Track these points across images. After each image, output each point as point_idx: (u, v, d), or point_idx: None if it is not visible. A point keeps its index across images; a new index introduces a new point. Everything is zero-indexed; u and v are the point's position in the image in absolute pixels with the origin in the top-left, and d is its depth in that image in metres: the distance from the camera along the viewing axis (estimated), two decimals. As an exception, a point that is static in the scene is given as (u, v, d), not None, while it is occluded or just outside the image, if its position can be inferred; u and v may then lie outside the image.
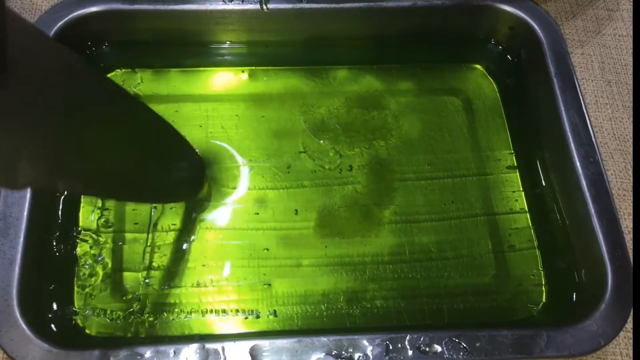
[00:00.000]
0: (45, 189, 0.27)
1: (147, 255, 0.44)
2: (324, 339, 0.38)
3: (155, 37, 0.51)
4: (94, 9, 0.48)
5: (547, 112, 0.48)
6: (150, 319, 0.42)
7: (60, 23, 0.47)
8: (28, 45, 0.24)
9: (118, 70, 0.51)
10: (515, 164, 0.50)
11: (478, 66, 0.54)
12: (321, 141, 0.50)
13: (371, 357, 0.38)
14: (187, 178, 0.45)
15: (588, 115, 0.46)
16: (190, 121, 0.50)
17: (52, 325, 0.41)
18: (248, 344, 0.38)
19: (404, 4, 0.51)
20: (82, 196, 0.46)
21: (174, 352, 0.37)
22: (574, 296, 0.44)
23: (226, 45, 0.53)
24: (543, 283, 0.45)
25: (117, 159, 0.33)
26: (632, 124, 0.51)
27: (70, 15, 0.48)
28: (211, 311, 0.43)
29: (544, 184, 0.48)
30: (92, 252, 0.44)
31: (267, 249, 0.45)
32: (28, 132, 0.24)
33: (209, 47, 0.53)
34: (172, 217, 0.46)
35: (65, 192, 0.30)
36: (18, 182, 0.24)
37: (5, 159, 0.23)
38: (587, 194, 0.43)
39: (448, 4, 0.51)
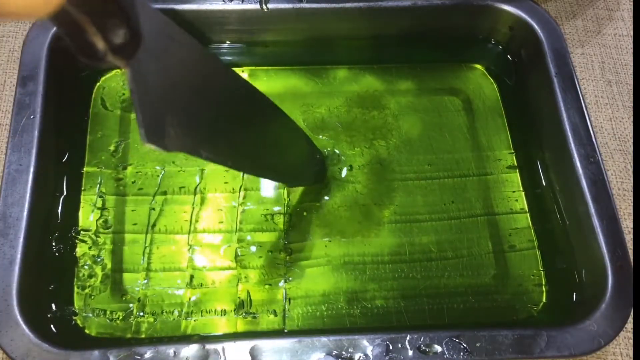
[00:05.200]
0: (194, 154, 0.29)
1: (147, 256, 0.44)
2: (324, 339, 0.38)
3: (155, 37, 0.51)
4: (93, 9, 0.48)
5: (547, 112, 0.48)
6: (150, 319, 0.42)
7: (60, 23, 0.47)
8: (163, 30, 0.26)
9: (118, 70, 0.51)
10: (516, 164, 0.50)
11: (478, 66, 0.54)
12: (321, 140, 0.50)
13: (371, 357, 0.38)
14: (316, 166, 0.48)
15: (588, 115, 0.46)
16: (190, 121, 0.50)
17: (52, 326, 0.41)
18: (248, 344, 0.38)
19: (404, 4, 0.51)
20: (81, 196, 0.46)
21: (174, 352, 0.37)
22: (574, 296, 0.44)
23: (226, 45, 0.53)
24: (543, 283, 0.45)
25: (256, 144, 0.36)
26: (632, 124, 0.51)
27: (70, 15, 0.48)
28: (211, 311, 0.43)
29: (544, 184, 0.48)
30: (92, 252, 0.44)
31: (267, 249, 0.45)
32: (167, 103, 0.26)
33: (208, 47, 0.53)
34: (170, 217, 0.46)
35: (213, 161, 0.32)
36: (168, 145, 0.25)
37: (156, 121, 0.25)
38: (587, 194, 0.43)
39: (448, 4, 0.51)
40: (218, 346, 0.37)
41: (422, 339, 0.38)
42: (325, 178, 0.48)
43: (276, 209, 0.47)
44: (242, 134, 0.34)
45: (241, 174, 0.48)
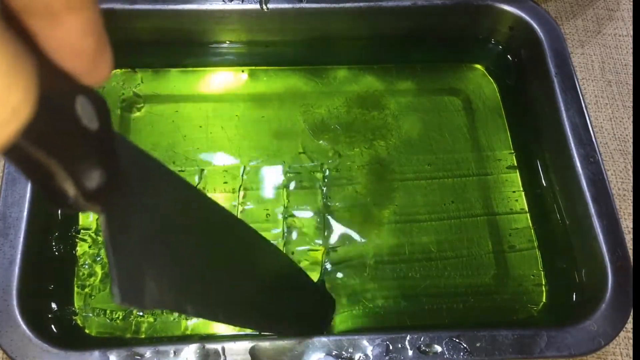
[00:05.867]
0: (178, 310, 0.26)
1: (147, 255, 0.44)
2: (324, 339, 0.38)
3: (155, 37, 0.51)
4: (93, 8, 0.48)
5: (547, 112, 0.48)
6: (150, 319, 0.42)
7: (60, 23, 0.47)
8: (137, 164, 0.22)
9: (118, 70, 0.51)
10: (515, 164, 0.50)
11: (478, 66, 0.54)
12: (321, 141, 0.50)
13: (371, 357, 0.37)
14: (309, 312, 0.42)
15: (588, 115, 0.46)
16: (190, 121, 0.50)
17: (52, 326, 0.41)
18: (248, 344, 0.38)
19: (404, 4, 0.51)
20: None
21: (174, 352, 0.37)
22: (574, 296, 0.44)
23: (226, 45, 0.53)
24: (543, 283, 0.45)
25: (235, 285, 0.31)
26: (632, 124, 0.51)
27: (70, 15, 0.47)
28: (211, 311, 0.43)
29: (544, 184, 0.48)
30: (92, 251, 0.44)
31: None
32: (148, 252, 0.23)
33: (208, 47, 0.53)
34: (172, 217, 0.46)
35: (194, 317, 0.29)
36: (147, 303, 0.22)
37: (133, 276, 0.21)
38: (587, 194, 0.43)
39: (448, 4, 0.51)
40: (218, 346, 0.37)
41: (422, 339, 0.38)
42: (329, 322, 0.43)
43: (276, 209, 0.47)
44: (235, 278, 0.30)
45: (240, 174, 0.48)
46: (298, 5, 0.50)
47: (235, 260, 0.31)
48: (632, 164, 0.49)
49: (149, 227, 0.23)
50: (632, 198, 0.48)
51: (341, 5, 0.50)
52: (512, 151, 0.50)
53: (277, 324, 0.37)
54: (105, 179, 0.18)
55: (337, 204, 0.47)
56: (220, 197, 0.47)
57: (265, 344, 0.38)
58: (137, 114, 0.50)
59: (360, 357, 0.37)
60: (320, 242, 0.46)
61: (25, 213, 0.41)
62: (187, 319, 0.42)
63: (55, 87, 0.16)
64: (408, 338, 0.38)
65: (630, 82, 0.53)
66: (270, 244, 0.36)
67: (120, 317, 0.42)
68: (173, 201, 0.25)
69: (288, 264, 0.39)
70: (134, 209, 0.21)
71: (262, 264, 0.34)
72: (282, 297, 0.36)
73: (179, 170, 0.47)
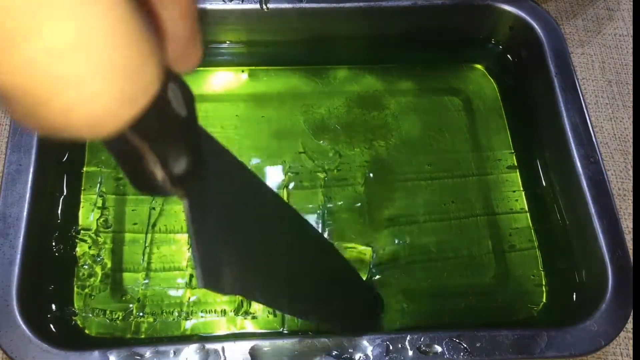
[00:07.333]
0: (249, 298, 0.27)
1: (147, 256, 0.44)
2: (324, 339, 0.38)
3: (155, 37, 0.51)
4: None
5: (547, 112, 0.48)
6: (150, 319, 0.42)
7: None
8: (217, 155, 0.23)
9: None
10: (516, 164, 0.50)
11: (478, 66, 0.54)
12: (321, 141, 0.50)
13: (371, 357, 0.37)
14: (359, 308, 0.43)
15: (588, 115, 0.46)
16: (190, 121, 0.50)
17: (52, 326, 0.41)
18: (248, 344, 0.38)
19: (404, 4, 0.51)
20: (81, 195, 0.46)
21: (174, 352, 0.37)
22: (574, 296, 0.44)
23: (226, 45, 0.53)
24: (543, 283, 0.45)
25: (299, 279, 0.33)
26: (632, 124, 0.51)
27: (70, 15, 0.47)
28: (211, 311, 0.43)
29: (544, 184, 0.48)
30: (92, 252, 0.44)
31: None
32: (225, 239, 0.24)
33: (208, 47, 0.53)
34: (171, 217, 0.46)
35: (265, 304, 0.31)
36: (225, 288, 0.23)
37: (213, 260, 0.22)
38: (587, 194, 0.43)
39: (448, 4, 0.51)
40: (218, 346, 0.37)
41: (422, 339, 0.38)
42: (379, 320, 0.43)
43: (276, 209, 0.47)
44: (301, 271, 0.31)
45: (241, 174, 0.48)
46: (298, 5, 0.50)
47: (296, 253, 0.32)
48: (632, 164, 0.49)
49: (224, 215, 0.23)
50: (632, 198, 0.48)
51: (341, 5, 0.50)
52: (512, 151, 0.50)
53: (334, 318, 0.37)
54: (190, 165, 0.19)
55: (337, 203, 0.47)
56: (220, 197, 0.47)
57: (265, 344, 0.38)
58: (137, 114, 0.50)
59: (360, 357, 0.37)
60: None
61: (25, 213, 0.41)
62: (187, 319, 0.42)
63: None
64: (408, 338, 0.38)
65: (630, 82, 0.53)
66: (326, 240, 0.37)
67: (120, 318, 0.42)
68: (245, 192, 0.26)
69: (342, 260, 0.39)
70: (213, 197, 0.22)
71: (320, 259, 0.35)
72: (337, 292, 0.37)
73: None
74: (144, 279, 0.43)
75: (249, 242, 0.26)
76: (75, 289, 0.43)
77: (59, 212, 0.45)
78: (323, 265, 0.35)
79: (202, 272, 0.21)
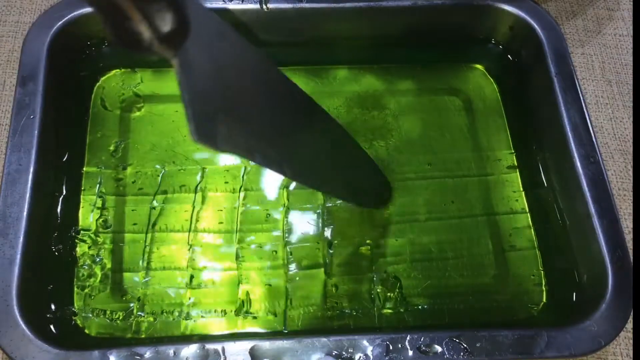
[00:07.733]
0: (247, 157, 0.28)
1: (147, 256, 0.44)
2: (324, 339, 0.38)
3: (155, 37, 0.51)
4: (93, 8, 0.48)
5: (547, 112, 0.48)
6: (150, 319, 0.42)
7: (60, 23, 0.47)
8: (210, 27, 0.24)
9: (118, 70, 0.51)
10: (516, 164, 0.50)
11: (478, 66, 0.54)
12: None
13: (371, 357, 0.37)
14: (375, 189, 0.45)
15: (588, 115, 0.46)
16: (190, 121, 0.50)
17: (52, 326, 0.41)
18: (248, 344, 0.38)
19: (404, 3, 0.51)
20: (81, 196, 0.46)
21: (174, 352, 0.37)
22: (574, 296, 0.44)
23: (226, 45, 0.53)
24: (543, 283, 0.45)
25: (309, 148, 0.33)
26: (632, 124, 0.51)
27: (70, 15, 0.48)
28: (211, 311, 0.43)
29: (544, 184, 0.48)
30: (91, 252, 0.44)
31: (267, 250, 0.45)
32: (219, 99, 0.24)
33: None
34: (170, 217, 0.46)
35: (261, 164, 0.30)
36: (219, 144, 0.24)
37: (206, 117, 0.23)
38: (588, 194, 0.43)
39: (448, 4, 0.51)
40: (218, 346, 0.37)
41: (422, 339, 0.38)
42: (387, 202, 0.46)
43: (277, 209, 0.47)
44: (299, 139, 0.32)
45: (241, 174, 0.48)
46: (298, 5, 0.50)
47: (301, 122, 0.32)
48: (632, 164, 0.49)
49: (218, 76, 0.24)
50: (632, 198, 0.48)
51: (341, 5, 0.50)
52: (512, 151, 0.50)
53: (341, 188, 0.38)
54: (177, 25, 0.20)
55: (337, 204, 0.47)
56: (221, 196, 0.47)
57: (265, 344, 0.38)
58: (137, 113, 0.50)
59: (360, 357, 0.37)
60: (320, 242, 0.46)
61: (25, 213, 0.41)
62: (187, 319, 0.42)
63: None
64: (408, 338, 0.38)
65: (630, 82, 0.53)
66: (332, 118, 0.37)
67: (120, 317, 0.42)
68: (242, 60, 0.27)
69: (351, 138, 0.40)
70: (205, 58, 0.23)
71: (325, 130, 0.35)
72: (346, 161, 0.38)
73: (180, 170, 0.47)
74: (144, 279, 0.44)
75: (247, 104, 0.26)
76: (75, 289, 0.43)
77: (59, 212, 0.45)
78: (329, 136, 0.35)
79: (196, 127, 0.22)
